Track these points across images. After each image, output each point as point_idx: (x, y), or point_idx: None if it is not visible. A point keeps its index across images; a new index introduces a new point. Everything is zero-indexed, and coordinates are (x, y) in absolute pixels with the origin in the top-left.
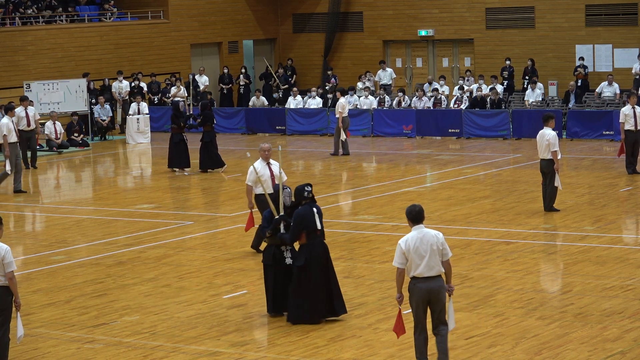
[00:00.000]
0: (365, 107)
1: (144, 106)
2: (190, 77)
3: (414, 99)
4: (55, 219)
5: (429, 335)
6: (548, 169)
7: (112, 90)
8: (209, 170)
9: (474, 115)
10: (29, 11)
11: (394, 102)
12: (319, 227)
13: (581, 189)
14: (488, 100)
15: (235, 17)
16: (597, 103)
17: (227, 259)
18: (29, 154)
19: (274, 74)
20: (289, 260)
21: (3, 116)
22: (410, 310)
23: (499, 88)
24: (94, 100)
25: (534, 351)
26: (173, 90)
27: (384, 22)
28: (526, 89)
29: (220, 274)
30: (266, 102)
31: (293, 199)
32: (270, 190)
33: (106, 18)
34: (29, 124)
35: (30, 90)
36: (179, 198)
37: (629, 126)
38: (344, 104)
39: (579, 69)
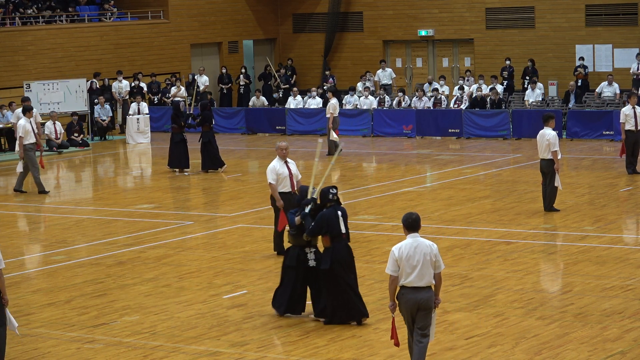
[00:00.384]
0: (365, 107)
1: (144, 106)
2: (191, 77)
3: (414, 99)
4: (55, 219)
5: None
6: (548, 169)
7: (112, 90)
8: (209, 170)
9: (474, 115)
10: (29, 11)
11: (394, 102)
12: (343, 230)
13: (581, 189)
14: (488, 100)
15: (235, 17)
16: (597, 103)
17: (227, 259)
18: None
19: (275, 74)
20: (312, 263)
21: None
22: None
23: (499, 88)
24: (96, 100)
25: (534, 351)
26: (173, 90)
27: (384, 22)
28: (526, 89)
29: (220, 274)
30: (266, 102)
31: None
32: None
33: (106, 18)
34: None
35: (30, 90)
36: (179, 198)
37: (630, 126)
38: (336, 105)
39: (579, 69)
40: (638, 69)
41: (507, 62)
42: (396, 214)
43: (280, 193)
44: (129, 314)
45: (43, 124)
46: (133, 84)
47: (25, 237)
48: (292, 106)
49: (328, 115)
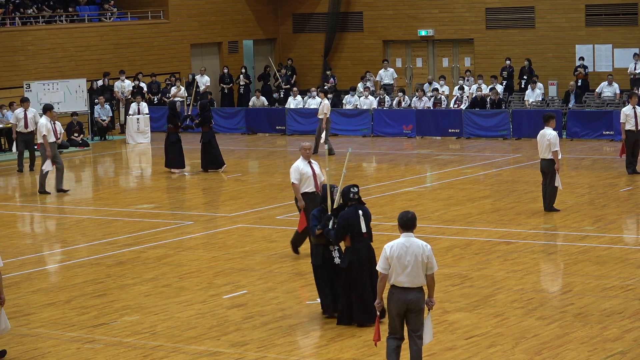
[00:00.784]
0: (365, 107)
1: (144, 106)
2: (190, 77)
3: (414, 99)
4: (55, 219)
5: (406, 345)
6: (548, 168)
7: (115, 89)
8: (209, 170)
9: (474, 115)
10: (29, 11)
11: (394, 102)
12: (363, 230)
13: (581, 189)
14: (488, 100)
15: (235, 17)
16: (597, 103)
17: (227, 259)
18: (26, 154)
19: (277, 73)
20: (337, 260)
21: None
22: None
23: (499, 88)
24: (96, 100)
25: (534, 351)
26: (173, 90)
27: (384, 22)
28: (524, 89)
29: (220, 274)
30: (266, 102)
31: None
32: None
33: (106, 18)
34: (26, 126)
35: (30, 90)
36: (179, 198)
37: (630, 126)
38: (329, 105)
39: (579, 69)
40: (635, 69)
41: (507, 62)
42: (396, 214)
43: (303, 193)
44: (129, 314)
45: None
46: (133, 84)
47: (25, 237)
48: (292, 106)
49: (321, 116)
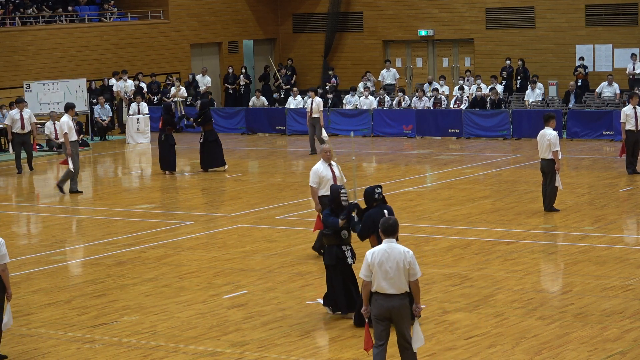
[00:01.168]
0: (365, 107)
1: (144, 106)
2: (191, 77)
3: (414, 99)
4: (55, 219)
5: (397, 351)
6: (549, 168)
7: (117, 89)
8: (209, 170)
9: (474, 115)
10: (29, 11)
11: (394, 102)
12: None
13: (581, 189)
14: (488, 100)
15: (235, 17)
16: (597, 103)
17: (227, 259)
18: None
19: (277, 73)
20: (350, 260)
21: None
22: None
23: (499, 88)
24: (95, 100)
25: (534, 351)
26: (173, 90)
27: (384, 22)
28: (520, 89)
29: (220, 274)
30: (266, 102)
31: (351, 200)
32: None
33: (106, 18)
34: (23, 127)
35: (30, 90)
36: (179, 198)
37: (630, 126)
38: (321, 103)
39: (579, 69)
40: (634, 69)
41: (508, 62)
42: (396, 214)
43: (324, 196)
44: (129, 314)
45: (43, 124)
46: (133, 84)
47: (25, 238)
48: (292, 106)
49: (317, 115)
